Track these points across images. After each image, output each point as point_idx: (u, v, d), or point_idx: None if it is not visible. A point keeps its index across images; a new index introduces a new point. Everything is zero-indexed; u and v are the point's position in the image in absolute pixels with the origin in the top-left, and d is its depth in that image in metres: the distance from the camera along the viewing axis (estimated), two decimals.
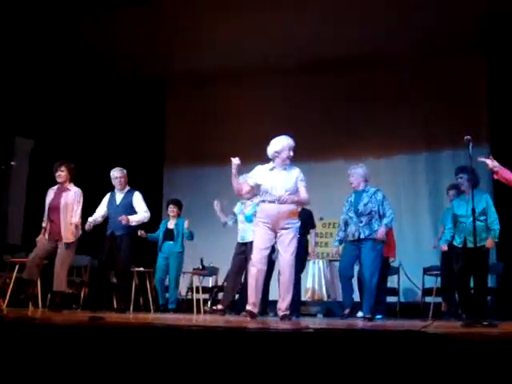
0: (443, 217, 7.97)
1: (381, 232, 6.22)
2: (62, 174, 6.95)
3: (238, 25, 9.49)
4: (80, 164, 9.85)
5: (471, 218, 5.67)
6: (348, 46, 9.91)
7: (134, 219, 7.15)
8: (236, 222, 7.63)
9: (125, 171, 7.51)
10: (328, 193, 9.72)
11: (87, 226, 7.17)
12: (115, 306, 7.54)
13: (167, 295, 8.60)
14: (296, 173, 5.70)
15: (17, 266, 7.68)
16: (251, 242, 6.10)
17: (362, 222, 6.29)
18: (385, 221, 6.28)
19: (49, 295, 7.11)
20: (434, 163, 10.24)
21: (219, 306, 7.47)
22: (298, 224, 5.58)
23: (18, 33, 9.39)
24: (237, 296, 7.82)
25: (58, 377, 2.85)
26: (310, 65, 10.61)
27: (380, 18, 9.10)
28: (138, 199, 7.35)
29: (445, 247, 7.08)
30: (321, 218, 9.81)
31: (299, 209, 5.85)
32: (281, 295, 5.53)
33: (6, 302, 7.26)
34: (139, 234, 8.09)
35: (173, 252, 8.50)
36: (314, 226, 7.95)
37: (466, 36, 9.61)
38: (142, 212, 7.25)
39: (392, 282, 8.83)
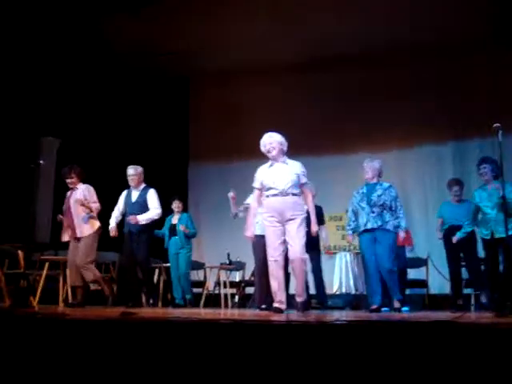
0: (440, 209, 7.93)
1: (402, 236, 6.34)
2: (72, 180, 7.10)
3: (261, 22, 9.50)
4: (106, 162, 10.00)
5: (496, 209, 5.64)
6: (370, 37, 9.87)
7: (143, 218, 7.19)
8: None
9: (139, 169, 7.51)
10: (351, 185, 9.70)
11: (112, 233, 7.29)
12: (144, 301, 7.59)
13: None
14: (297, 166, 5.67)
15: (46, 264, 7.79)
16: None
17: (373, 212, 6.32)
18: (402, 223, 6.33)
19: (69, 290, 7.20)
20: (460, 153, 10.16)
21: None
22: (304, 215, 5.54)
23: (44, 34, 9.49)
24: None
25: (92, 372, 2.88)
26: (332, 59, 10.60)
27: (405, 8, 9.05)
28: (151, 196, 7.37)
29: (455, 239, 7.11)
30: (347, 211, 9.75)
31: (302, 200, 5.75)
32: (296, 283, 5.58)
33: (37, 299, 7.36)
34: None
35: (179, 247, 8.53)
36: (323, 223, 7.78)
37: (492, 26, 9.49)
38: (152, 209, 7.28)
39: (420, 273, 8.77)
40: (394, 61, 10.42)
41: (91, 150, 10.02)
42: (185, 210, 8.86)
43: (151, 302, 7.29)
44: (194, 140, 12.05)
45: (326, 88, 10.86)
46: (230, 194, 7.22)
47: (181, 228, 8.42)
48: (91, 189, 7.07)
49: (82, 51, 10.22)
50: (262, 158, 5.87)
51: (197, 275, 9.49)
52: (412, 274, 8.73)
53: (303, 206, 5.62)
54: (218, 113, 11.68)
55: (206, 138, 11.77)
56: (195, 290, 8.85)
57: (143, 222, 7.20)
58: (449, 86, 10.17)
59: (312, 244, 6.67)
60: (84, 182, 7.21)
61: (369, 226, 6.31)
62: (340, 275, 9.82)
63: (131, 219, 7.13)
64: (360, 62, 10.59)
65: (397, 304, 6.20)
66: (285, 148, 5.72)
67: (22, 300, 6.16)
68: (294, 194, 5.51)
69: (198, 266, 9.61)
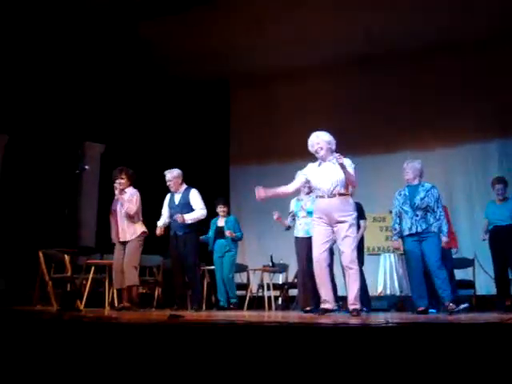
0: (486, 210, 7.76)
1: (445, 241, 6.15)
2: (122, 181, 7.08)
3: (301, 24, 9.50)
4: (149, 166, 10.09)
5: None
6: (418, 35, 9.79)
7: (189, 217, 7.18)
8: (295, 220, 7.43)
9: (175, 173, 7.45)
10: (398, 185, 9.62)
11: (158, 231, 7.33)
12: (188, 304, 7.61)
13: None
14: (348, 162, 5.52)
15: (93, 268, 7.90)
16: None
17: (417, 215, 6.14)
18: (444, 227, 6.14)
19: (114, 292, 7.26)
20: (506, 151, 9.96)
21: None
22: (354, 215, 5.43)
23: (87, 41, 9.66)
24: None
25: (139, 375, 2.89)
26: (372, 57, 10.53)
27: (456, 5, 8.95)
28: (194, 197, 7.36)
29: None
30: (390, 212, 9.61)
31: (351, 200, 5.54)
32: (348, 289, 5.47)
33: (84, 302, 7.46)
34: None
35: (224, 250, 8.47)
36: (363, 218, 7.46)
37: None
38: (198, 209, 7.27)
39: (467, 274, 8.62)
40: (442, 58, 10.25)
41: (135, 154, 10.13)
42: (229, 213, 8.84)
43: (195, 306, 7.28)
44: (234, 142, 12.08)
45: (365, 87, 10.76)
46: (275, 217, 7.20)
47: (227, 234, 8.39)
48: (138, 194, 7.08)
49: (124, 57, 10.37)
50: (302, 158, 5.84)
51: (240, 278, 9.50)
52: (458, 274, 8.58)
53: (353, 205, 5.50)
54: (258, 115, 11.69)
55: (247, 141, 11.79)
56: (238, 292, 8.83)
57: (189, 222, 7.19)
58: (496, 84, 9.96)
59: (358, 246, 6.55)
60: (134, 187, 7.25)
61: (413, 230, 6.14)
62: (384, 277, 9.69)
63: (178, 218, 7.12)
64: (401, 60, 10.47)
65: (451, 306, 5.96)
66: (333, 147, 5.61)
67: (69, 304, 6.22)
68: (341, 195, 5.39)
69: (241, 268, 9.61)
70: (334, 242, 5.56)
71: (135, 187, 7.18)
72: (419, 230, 6.12)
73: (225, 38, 9.98)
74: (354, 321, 3.94)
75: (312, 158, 5.80)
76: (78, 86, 9.90)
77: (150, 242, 7.44)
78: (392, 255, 9.62)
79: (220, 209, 8.65)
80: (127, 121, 10.71)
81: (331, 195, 5.40)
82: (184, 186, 7.48)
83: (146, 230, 7.03)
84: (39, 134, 9.51)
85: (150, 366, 2.89)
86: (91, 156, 10.47)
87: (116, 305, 7.50)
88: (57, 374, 3.07)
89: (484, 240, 7.91)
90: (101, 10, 9.24)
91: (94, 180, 10.05)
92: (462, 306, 6.04)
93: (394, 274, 9.63)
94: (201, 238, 8.38)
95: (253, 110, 11.80)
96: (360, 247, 7.09)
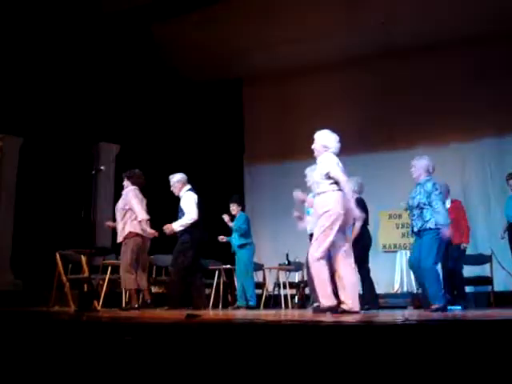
0: (505, 205, 7.70)
1: (444, 233, 5.95)
2: (123, 184, 7.15)
3: (314, 21, 9.48)
4: (163, 167, 10.11)
5: None
6: (433, 28, 9.76)
7: (176, 225, 7.01)
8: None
9: (175, 178, 7.34)
10: (412, 181, 9.60)
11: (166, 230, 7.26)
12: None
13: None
14: (324, 162, 5.44)
15: (109, 268, 7.93)
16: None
17: (414, 215, 6.08)
18: (440, 219, 5.92)
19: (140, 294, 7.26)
20: None
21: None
22: (328, 213, 5.23)
23: (100, 43, 9.72)
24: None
25: (159, 374, 2.90)
26: (386, 51, 10.46)
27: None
28: (184, 201, 7.18)
29: None
30: (406, 209, 9.52)
31: (336, 196, 5.32)
32: None
33: (101, 303, 7.49)
34: (220, 239, 8.42)
35: (235, 247, 8.51)
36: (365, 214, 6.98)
37: None
38: (186, 214, 7.07)
39: (484, 270, 8.55)
40: (457, 50, 10.17)
41: (149, 154, 10.17)
42: (243, 210, 8.83)
43: (165, 307, 7.18)
44: (248, 142, 12.07)
45: (380, 84, 10.69)
46: (295, 215, 7.21)
47: (220, 239, 8.48)
48: (130, 193, 6.97)
49: (138, 59, 10.42)
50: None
51: (256, 276, 9.49)
52: (475, 271, 8.53)
53: (331, 202, 5.28)
54: (272, 113, 11.67)
55: (261, 139, 11.78)
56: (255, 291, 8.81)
57: (179, 229, 7.03)
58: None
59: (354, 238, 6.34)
60: (142, 187, 7.26)
61: (415, 229, 6.11)
62: (401, 274, 9.66)
63: (165, 228, 7.02)
64: (415, 53, 10.40)
65: (434, 306, 5.86)
66: (329, 145, 5.55)
67: (87, 304, 6.26)
68: (319, 194, 5.37)
69: (257, 267, 9.60)
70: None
71: (148, 187, 7.19)
72: (415, 229, 6.08)
73: (238, 36, 9.99)
74: (354, 319, 3.92)
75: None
76: (93, 87, 9.95)
77: (164, 242, 7.44)
78: (408, 252, 9.55)
79: (231, 207, 8.67)
80: (142, 121, 10.75)
81: (317, 194, 5.43)
82: (184, 190, 7.31)
83: (134, 231, 6.81)
84: (54, 136, 9.56)
85: (169, 365, 2.89)
86: (106, 157, 10.51)
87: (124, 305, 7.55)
88: (75, 374, 3.09)
89: (502, 238, 7.86)
90: (114, 12, 9.30)
91: (109, 180, 10.08)
92: (453, 308, 5.97)
93: (411, 271, 9.58)
94: (226, 238, 8.45)
95: (267, 109, 11.78)
96: (362, 244, 6.88)
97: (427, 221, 5.98)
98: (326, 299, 5.16)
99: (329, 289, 5.20)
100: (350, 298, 5.23)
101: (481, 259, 8.51)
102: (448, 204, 7.20)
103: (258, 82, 11.88)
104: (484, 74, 10.06)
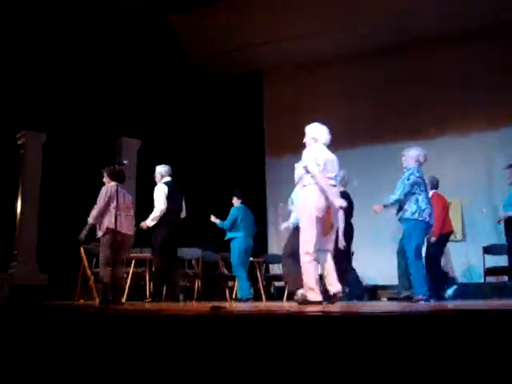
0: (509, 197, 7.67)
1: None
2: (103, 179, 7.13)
3: (331, 11, 9.43)
4: (184, 160, 10.16)
5: None
6: (448, 20, 9.62)
7: (149, 221, 7.24)
8: None
9: (157, 169, 7.54)
10: (434, 171, 9.53)
11: None
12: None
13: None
14: (305, 152, 5.61)
15: (133, 262, 7.99)
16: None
17: (397, 206, 6.18)
18: (390, 200, 6.08)
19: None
20: None
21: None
22: (303, 205, 5.35)
23: (123, 40, 9.78)
24: None
25: (185, 367, 2.91)
26: (407, 42, 10.36)
27: None
28: (154, 193, 7.35)
29: None
30: None
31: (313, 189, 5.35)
32: None
33: (125, 296, 7.55)
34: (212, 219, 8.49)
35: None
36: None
37: None
38: (154, 207, 7.29)
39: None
40: (475, 43, 10.03)
41: (170, 149, 10.20)
42: (243, 203, 8.82)
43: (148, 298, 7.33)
44: (269, 134, 12.03)
45: (405, 73, 10.55)
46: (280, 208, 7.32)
47: (212, 218, 8.56)
48: (103, 190, 6.85)
49: (159, 54, 10.46)
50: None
51: (278, 269, 9.49)
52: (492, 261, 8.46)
53: (306, 195, 5.37)
54: (292, 104, 11.60)
55: (282, 131, 11.70)
56: (277, 283, 8.83)
57: (152, 224, 7.23)
58: None
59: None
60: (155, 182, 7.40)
61: (397, 218, 6.22)
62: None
63: (141, 225, 7.26)
64: (434, 43, 10.27)
65: (416, 298, 5.87)
66: (318, 137, 5.68)
67: (111, 297, 6.31)
68: (303, 187, 5.46)
69: (278, 259, 9.60)
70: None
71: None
72: (397, 218, 6.20)
73: (256, 28, 9.97)
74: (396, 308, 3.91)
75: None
76: (114, 82, 10.00)
77: (189, 235, 7.48)
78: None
79: (232, 201, 8.80)
80: (163, 116, 10.79)
81: (302, 186, 5.52)
82: (161, 182, 7.48)
83: (109, 226, 6.60)
84: (76, 132, 9.64)
85: (194, 358, 2.91)
86: (128, 151, 10.57)
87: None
88: (100, 367, 3.12)
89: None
90: (134, 5, 9.34)
91: (130, 175, 10.14)
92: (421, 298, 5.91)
93: None
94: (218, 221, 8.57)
95: (287, 100, 11.71)
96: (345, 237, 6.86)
97: (404, 211, 6.05)
98: (311, 293, 5.25)
99: (316, 282, 5.28)
100: (336, 281, 5.42)
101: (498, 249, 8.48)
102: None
103: (277, 74, 11.84)
104: (504, 64, 9.90)
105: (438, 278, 7.02)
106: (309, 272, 5.27)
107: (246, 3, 9.54)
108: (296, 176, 6.24)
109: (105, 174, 7.05)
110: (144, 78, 10.42)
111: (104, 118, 9.94)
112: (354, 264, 7.84)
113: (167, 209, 7.24)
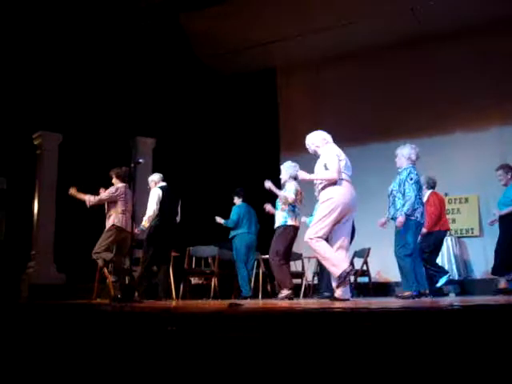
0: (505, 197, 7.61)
1: (399, 221, 6.07)
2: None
3: (347, 7, 9.41)
4: (199, 160, 10.18)
5: None
6: (465, 14, 9.57)
7: (142, 226, 7.50)
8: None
9: (150, 178, 7.95)
10: (451, 167, 9.50)
11: None
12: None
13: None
14: (325, 151, 5.82)
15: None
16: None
17: (390, 202, 6.28)
18: (404, 208, 6.05)
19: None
20: None
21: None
22: (330, 201, 5.46)
23: (137, 40, 9.82)
24: None
25: (202, 364, 2.91)
26: (420, 38, 10.29)
27: None
28: (149, 197, 7.64)
29: None
30: (445, 194, 9.35)
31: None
32: None
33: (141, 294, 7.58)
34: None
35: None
36: None
37: None
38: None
39: None
40: (474, 38, 9.97)
41: (185, 147, 10.22)
42: (244, 201, 8.92)
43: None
44: (284, 131, 12.02)
45: (421, 68, 10.50)
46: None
47: (216, 218, 8.69)
48: (112, 188, 7.44)
49: (173, 53, 10.49)
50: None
51: (295, 266, 9.47)
52: None
53: (324, 194, 5.56)
54: (307, 101, 11.59)
55: (296, 128, 11.64)
56: (294, 280, 8.80)
57: (147, 224, 7.49)
58: None
59: None
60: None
61: (389, 216, 6.31)
62: (441, 260, 9.51)
63: (141, 227, 7.53)
64: (447, 39, 10.20)
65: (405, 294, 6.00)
66: (319, 144, 5.95)
67: (127, 296, 6.34)
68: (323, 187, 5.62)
69: (296, 256, 9.58)
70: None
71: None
72: (390, 217, 6.29)
73: (270, 25, 9.96)
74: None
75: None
76: (129, 82, 10.04)
77: (205, 234, 7.50)
78: (449, 238, 9.40)
79: (234, 200, 8.95)
80: (177, 116, 10.81)
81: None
82: (155, 187, 7.75)
83: (117, 224, 7.30)
84: (92, 132, 9.70)
85: (213, 355, 2.91)
86: (143, 150, 10.60)
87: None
88: (117, 364, 3.13)
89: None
90: (147, 6, 9.37)
91: (146, 174, 10.18)
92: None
93: (452, 257, 9.46)
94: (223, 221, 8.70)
95: (301, 97, 11.72)
96: None
97: (398, 209, 6.10)
98: (338, 267, 5.35)
99: (337, 256, 5.43)
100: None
101: None
102: (425, 197, 7.24)
103: (292, 71, 11.83)
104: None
105: (430, 275, 7.01)
106: (324, 250, 5.54)
107: (257, 1, 9.52)
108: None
109: (113, 176, 7.26)
110: (158, 78, 10.46)
111: (119, 118, 9.99)
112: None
113: (160, 210, 7.50)
